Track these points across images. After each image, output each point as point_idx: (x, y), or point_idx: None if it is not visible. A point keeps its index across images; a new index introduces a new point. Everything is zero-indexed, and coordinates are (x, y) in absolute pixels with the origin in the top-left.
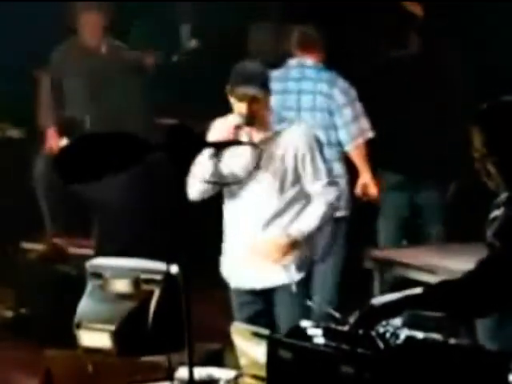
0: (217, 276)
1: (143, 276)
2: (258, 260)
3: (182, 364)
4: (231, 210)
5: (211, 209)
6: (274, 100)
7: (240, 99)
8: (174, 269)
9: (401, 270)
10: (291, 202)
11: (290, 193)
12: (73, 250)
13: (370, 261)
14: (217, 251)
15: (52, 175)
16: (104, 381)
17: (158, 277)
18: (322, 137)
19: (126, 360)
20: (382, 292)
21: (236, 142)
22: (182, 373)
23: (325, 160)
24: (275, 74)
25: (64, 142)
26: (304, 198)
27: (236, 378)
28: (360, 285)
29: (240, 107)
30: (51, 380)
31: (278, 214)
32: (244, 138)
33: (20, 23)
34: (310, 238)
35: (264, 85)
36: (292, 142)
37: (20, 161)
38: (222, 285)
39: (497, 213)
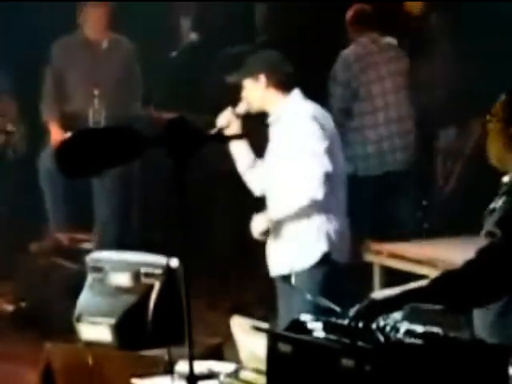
0: None
1: (143, 270)
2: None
3: (182, 358)
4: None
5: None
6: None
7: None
8: (174, 262)
9: (401, 263)
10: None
11: (287, 176)
12: (74, 244)
13: (370, 254)
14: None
15: (55, 169)
16: (104, 374)
17: (158, 270)
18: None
19: (126, 353)
20: (382, 286)
21: (238, 136)
22: (182, 366)
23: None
24: (356, 50)
25: (67, 135)
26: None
27: (236, 371)
28: (360, 278)
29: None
30: (51, 373)
31: (279, 199)
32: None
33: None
34: (319, 230)
35: (245, 69)
36: (291, 123)
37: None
38: None
39: (496, 203)
